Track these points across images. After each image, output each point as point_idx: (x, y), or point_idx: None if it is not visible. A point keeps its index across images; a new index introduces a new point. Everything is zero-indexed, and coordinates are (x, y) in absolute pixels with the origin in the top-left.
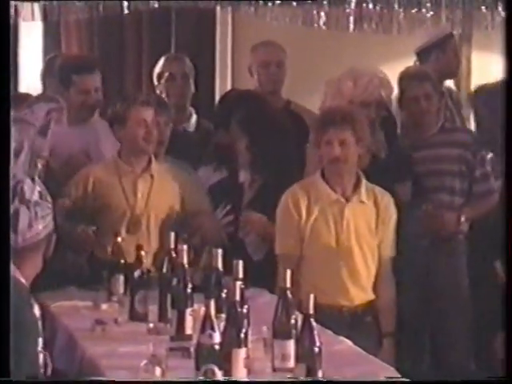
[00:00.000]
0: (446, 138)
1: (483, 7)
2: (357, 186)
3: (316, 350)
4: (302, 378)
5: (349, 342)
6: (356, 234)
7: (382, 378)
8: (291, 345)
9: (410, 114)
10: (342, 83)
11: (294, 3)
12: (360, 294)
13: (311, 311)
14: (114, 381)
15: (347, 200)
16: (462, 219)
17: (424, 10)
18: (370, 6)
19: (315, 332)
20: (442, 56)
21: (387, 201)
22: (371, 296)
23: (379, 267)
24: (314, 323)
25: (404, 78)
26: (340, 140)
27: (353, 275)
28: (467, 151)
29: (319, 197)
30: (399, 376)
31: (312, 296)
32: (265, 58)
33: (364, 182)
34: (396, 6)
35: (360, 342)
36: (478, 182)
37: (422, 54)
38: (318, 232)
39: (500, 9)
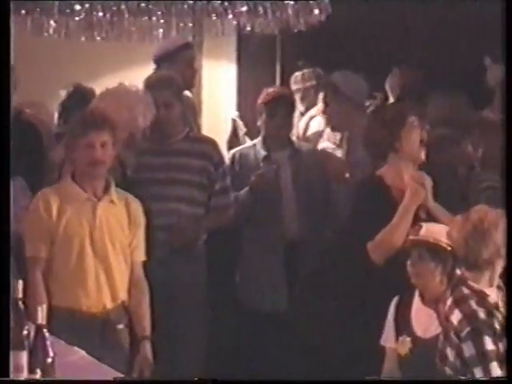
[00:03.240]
0: (190, 148)
1: (213, 15)
2: (107, 187)
3: (49, 360)
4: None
5: (82, 352)
6: (109, 232)
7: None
8: (24, 356)
9: (152, 122)
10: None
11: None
12: (113, 297)
13: (43, 322)
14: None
15: (99, 199)
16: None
17: (154, 19)
18: (100, 14)
19: (48, 343)
20: (179, 65)
21: (137, 206)
22: (125, 299)
23: (132, 271)
24: (47, 334)
25: (146, 85)
26: (101, 142)
27: (108, 278)
28: (210, 164)
29: (70, 197)
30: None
31: (44, 307)
32: None
33: (113, 184)
34: (126, 15)
35: (112, 349)
36: (218, 196)
37: (160, 62)
38: (71, 232)
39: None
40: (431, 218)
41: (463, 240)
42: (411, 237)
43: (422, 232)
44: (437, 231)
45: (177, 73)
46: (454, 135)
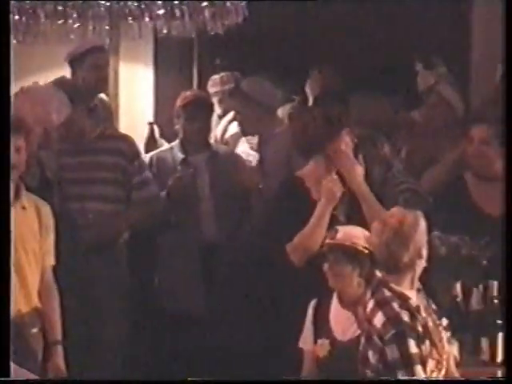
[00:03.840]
0: (103, 145)
1: (130, 18)
2: (18, 193)
3: None
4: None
5: None
6: (21, 239)
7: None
8: None
9: (67, 120)
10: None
11: None
12: (28, 301)
13: None
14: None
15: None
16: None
17: (70, 21)
18: (16, 17)
19: None
20: (91, 67)
21: (47, 210)
22: (37, 304)
23: (42, 276)
24: None
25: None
26: (16, 147)
27: (21, 283)
28: (123, 159)
29: None
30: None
31: None
32: None
33: (23, 189)
34: (42, 18)
35: (27, 352)
36: (138, 189)
37: (73, 63)
38: None
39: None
40: (356, 218)
41: (383, 244)
42: (328, 240)
43: (339, 236)
44: (353, 234)
45: (89, 75)
46: (371, 136)
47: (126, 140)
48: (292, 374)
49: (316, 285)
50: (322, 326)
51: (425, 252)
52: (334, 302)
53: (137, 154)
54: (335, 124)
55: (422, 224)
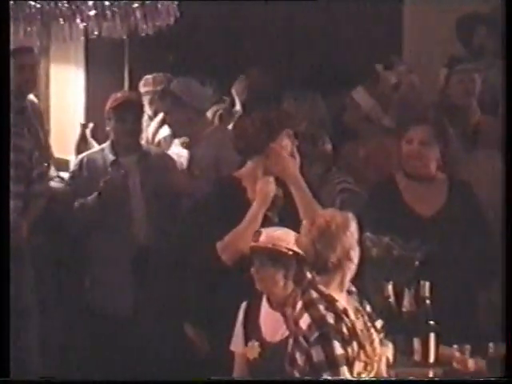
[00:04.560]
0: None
1: (61, 19)
2: None
3: None
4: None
5: None
6: None
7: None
8: None
9: None
10: None
11: None
12: None
13: None
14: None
15: None
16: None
17: None
18: None
19: None
20: (18, 69)
21: None
22: None
23: None
24: None
25: None
26: None
27: None
28: (22, 155)
29: None
30: None
31: None
32: None
33: None
34: None
35: None
36: (33, 183)
37: None
38: None
39: None
40: (290, 220)
41: (310, 244)
42: (252, 243)
43: (262, 238)
44: (277, 237)
45: (16, 76)
46: (310, 135)
47: (21, 136)
48: (223, 376)
49: (247, 287)
50: (252, 328)
51: (354, 254)
52: (264, 303)
53: (33, 148)
54: (275, 126)
55: (353, 226)
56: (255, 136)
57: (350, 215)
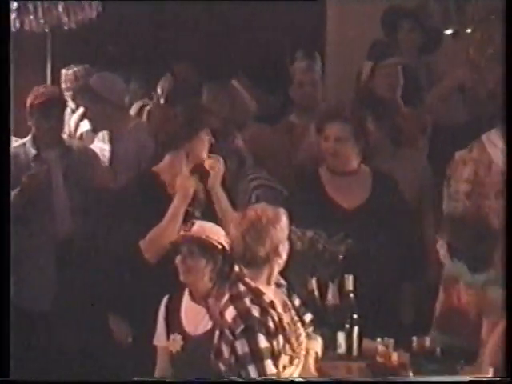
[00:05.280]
0: None
1: None
2: None
3: None
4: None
5: None
6: None
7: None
8: None
9: None
10: None
11: None
12: None
13: None
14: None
15: None
16: None
17: None
18: None
19: None
20: None
21: None
22: None
23: None
24: None
25: None
26: None
27: None
28: None
29: None
30: None
31: None
32: None
33: None
34: None
35: None
36: None
37: None
38: None
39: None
40: (211, 215)
41: (240, 236)
42: (182, 233)
43: (195, 228)
44: (209, 229)
45: None
46: (223, 130)
47: None
48: (146, 371)
49: (168, 281)
50: (174, 322)
51: (283, 249)
52: (186, 296)
53: None
54: (195, 123)
55: (283, 221)
56: (175, 131)
57: (282, 210)
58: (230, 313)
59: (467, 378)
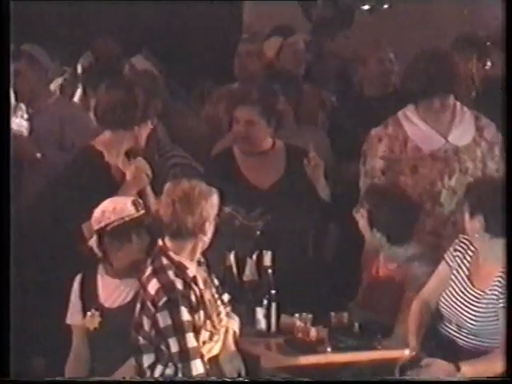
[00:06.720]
0: None
1: None
2: None
3: None
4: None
5: None
6: None
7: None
8: None
9: None
10: None
11: None
12: None
13: None
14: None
15: None
16: None
17: None
18: None
19: None
20: None
21: None
22: None
23: None
24: None
25: None
26: None
27: None
28: None
29: None
30: None
31: None
32: None
33: None
34: None
35: None
36: None
37: None
38: None
39: None
40: None
41: (171, 203)
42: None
43: (107, 216)
44: (118, 210)
45: None
46: None
47: None
48: (62, 351)
49: (80, 259)
50: (89, 298)
51: (209, 227)
52: (101, 271)
53: None
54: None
55: (214, 198)
56: (122, 111)
57: (214, 189)
58: (153, 285)
59: (467, 378)
